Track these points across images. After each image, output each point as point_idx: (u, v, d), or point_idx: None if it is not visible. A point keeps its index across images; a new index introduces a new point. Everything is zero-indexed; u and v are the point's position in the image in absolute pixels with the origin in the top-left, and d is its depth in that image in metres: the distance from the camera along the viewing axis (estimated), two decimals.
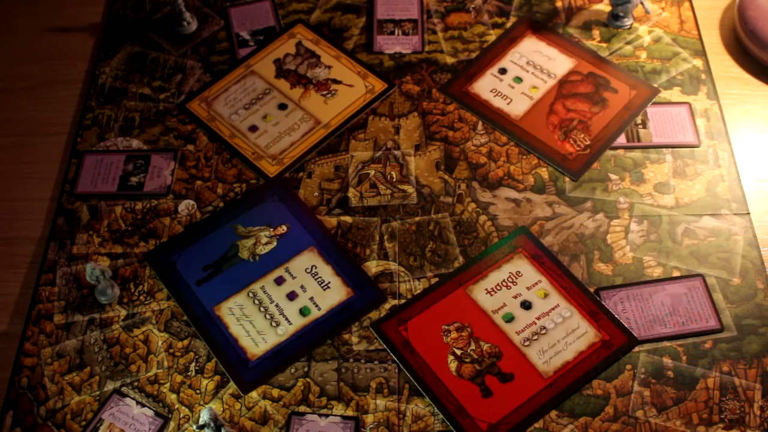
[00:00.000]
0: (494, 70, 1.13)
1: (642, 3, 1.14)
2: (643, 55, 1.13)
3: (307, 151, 1.06)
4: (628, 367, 0.88)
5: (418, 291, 0.94)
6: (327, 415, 0.86)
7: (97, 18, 1.24)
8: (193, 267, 0.97)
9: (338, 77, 1.13)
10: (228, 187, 1.03)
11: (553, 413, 0.85)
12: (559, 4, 1.20)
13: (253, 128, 1.09)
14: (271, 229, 0.91)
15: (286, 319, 0.92)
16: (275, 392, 0.88)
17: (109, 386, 0.89)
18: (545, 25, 1.17)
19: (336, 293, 0.94)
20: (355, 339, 0.91)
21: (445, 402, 0.86)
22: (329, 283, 0.94)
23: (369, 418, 0.86)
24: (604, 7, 1.19)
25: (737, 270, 0.94)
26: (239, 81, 1.14)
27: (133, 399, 0.88)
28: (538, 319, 0.91)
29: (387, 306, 0.93)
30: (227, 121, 1.09)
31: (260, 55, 1.16)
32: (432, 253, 0.97)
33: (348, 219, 1.00)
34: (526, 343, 0.89)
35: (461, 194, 1.01)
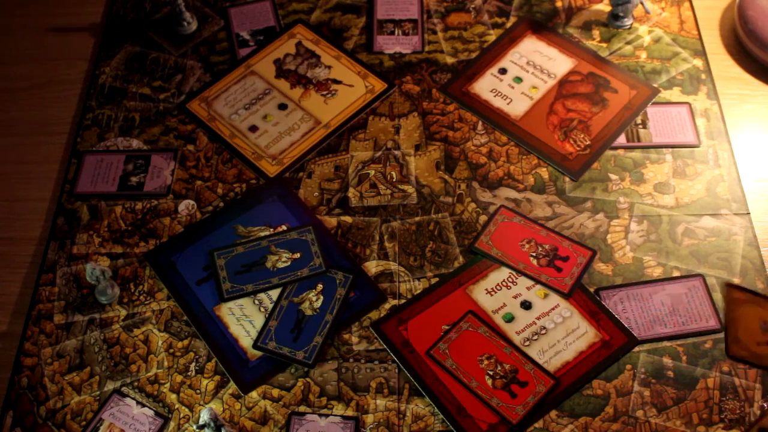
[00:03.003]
0: (494, 70, 1.13)
1: (642, 3, 1.14)
2: (643, 55, 1.13)
3: (307, 151, 1.06)
4: (628, 367, 0.88)
5: (418, 291, 0.94)
6: (327, 415, 0.86)
7: (97, 18, 1.24)
8: (193, 267, 0.97)
9: (338, 77, 1.13)
10: (228, 187, 1.03)
11: (553, 413, 0.85)
12: (559, 4, 1.20)
13: (253, 128, 1.09)
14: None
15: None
16: (275, 392, 0.88)
17: (109, 386, 0.89)
18: (545, 25, 1.17)
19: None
20: (355, 339, 0.91)
21: (445, 402, 0.86)
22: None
23: (369, 418, 0.86)
24: (604, 7, 1.19)
25: (737, 270, 0.94)
26: (239, 81, 1.14)
27: (133, 399, 0.88)
28: (538, 319, 0.91)
29: (387, 306, 0.93)
30: (227, 121, 1.09)
31: (260, 55, 1.16)
32: (432, 253, 0.97)
33: (348, 219, 1.00)
34: (526, 343, 0.89)
35: (461, 194, 1.01)
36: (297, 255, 0.96)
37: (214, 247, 0.98)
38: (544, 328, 0.90)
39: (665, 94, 1.09)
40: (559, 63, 1.13)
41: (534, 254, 0.95)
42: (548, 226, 0.97)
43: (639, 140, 1.05)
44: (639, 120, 1.06)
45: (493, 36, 1.16)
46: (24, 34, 1.23)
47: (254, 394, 0.88)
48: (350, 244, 0.98)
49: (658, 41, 1.15)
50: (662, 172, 1.02)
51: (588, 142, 1.05)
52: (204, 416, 0.79)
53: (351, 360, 0.90)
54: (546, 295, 0.93)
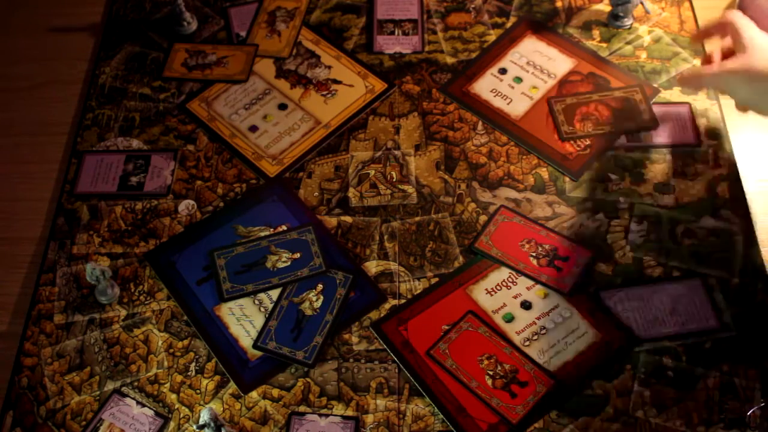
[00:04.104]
0: (494, 70, 1.13)
1: (642, 3, 1.14)
2: (643, 55, 1.13)
3: (307, 151, 1.06)
4: (628, 367, 0.88)
5: (418, 291, 0.94)
6: (327, 415, 0.86)
7: (97, 18, 1.24)
8: (193, 267, 0.97)
9: (338, 77, 1.13)
10: (228, 187, 1.03)
11: (553, 413, 0.85)
12: (559, 4, 1.20)
13: (253, 128, 1.09)
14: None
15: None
16: (275, 392, 0.88)
17: (109, 386, 0.89)
18: (545, 25, 1.17)
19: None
20: (355, 339, 0.91)
21: (445, 402, 0.86)
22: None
23: (369, 418, 0.86)
24: (604, 7, 1.19)
25: (737, 270, 0.94)
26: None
27: (133, 399, 0.88)
28: (538, 319, 0.91)
29: (387, 306, 0.93)
30: (227, 121, 1.09)
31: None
32: (432, 253, 0.97)
33: (348, 219, 1.00)
34: (526, 343, 0.89)
35: (461, 194, 1.01)
36: (297, 255, 0.96)
37: (214, 247, 0.98)
38: (544, 328, 0.90)
39: (665, 94, 1.09)
40: (559, 63, 1.13)
41: (534, 254, 0.95)
42: (548, 226, 0.97)
43: (639, 140, 1.05)
44: None
45: (493, 36, 1.16)
46: (24, 34, 1.23)
47: (254, 394, 0.88)
48: (350, 244, 0.98)
49: (658, 41, 1.15)
50: (662, 172, 1.02)
51: (588, 142, 1.05)
52: (204, 416, 0.79)
53: (351, 360, 0.90)
54: (546, 295, 0.93)
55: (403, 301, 0.93)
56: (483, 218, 0.99)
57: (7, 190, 1.07)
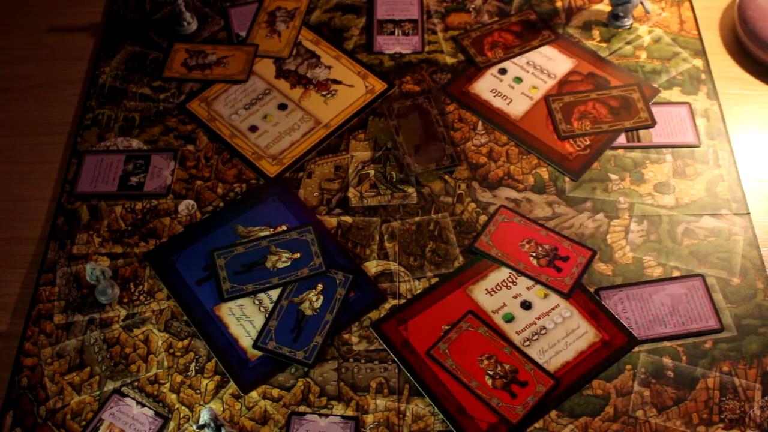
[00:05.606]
0: (494, 70, 1.13)
1: (642, 3, 1.14)
2: (643, 55, 1.13)
3: (307, 151, 1.06)
4: (628, 367, 0.88)
5: (418, 291, 0.94)
6: (327, 415, 0.86)
7: (97, 18, 1.24)
8: (193, 267, 0.97)
9: (338, 77, 1.13)
10: (228, 187, 1.03)
11: (553, 413, 0.85)
12: (559, 4, 1.20)
13: (253, 128, 1.09)
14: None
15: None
16: (275, 392, 0.88)
17: (109, 386, 0.89)
18: (545, 25, 1.17)
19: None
20: (355, 339, 0.91)
21: (445, 402, 0.86)
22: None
23: (369, 418, 0.86)
24: (604, 7, 1.19)
25: (737, 270, 0.94)
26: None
27: (133, 399, 0.88)
28: (538, 319, 0.91)
29: (387, 306, 0.93)
30: (227, 121, 1.09)
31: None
32: (432, 253, 0.97)
33: (348, 219, 1.00)
34: (526, 343, 0.89)
35: (461, 194, 1.01)
36: (297, 255, 0.96)
37: (214, 247, 0.98)
38: (544, 328, 0.90)
39: (665, 94, 1.09)
40: (559, 63, 1.13)
41: (534, 254, 0.95)
42: (548, 226, 0.97)
43: (639, 140, 1.05)
44: None
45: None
46: (24, 34, 1.23)
47: (254, 394, 0.88)
48: (350, 244, 0.98)
49: (658, 41, 1.15)
50: (662, 172, 1.02)
51: (588, 142, 1.05)
52: (204, 416, 0.79)
53: (351, 360, 0.90)
54: (546, 295, 0.93)
55: (403, 301, 0.93)
56: (483, 218, 0.99)
57: (7, 190, 1.07)
